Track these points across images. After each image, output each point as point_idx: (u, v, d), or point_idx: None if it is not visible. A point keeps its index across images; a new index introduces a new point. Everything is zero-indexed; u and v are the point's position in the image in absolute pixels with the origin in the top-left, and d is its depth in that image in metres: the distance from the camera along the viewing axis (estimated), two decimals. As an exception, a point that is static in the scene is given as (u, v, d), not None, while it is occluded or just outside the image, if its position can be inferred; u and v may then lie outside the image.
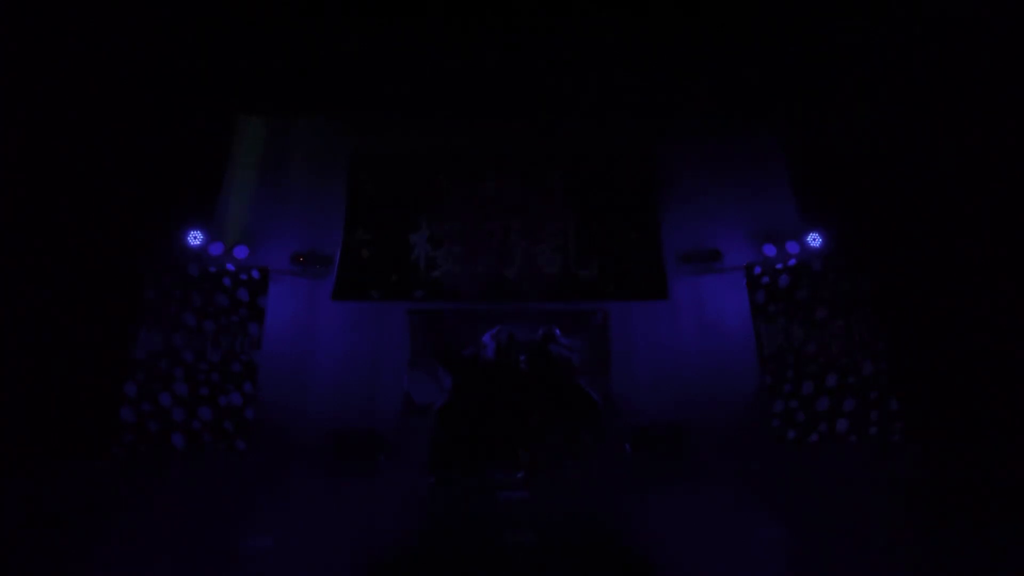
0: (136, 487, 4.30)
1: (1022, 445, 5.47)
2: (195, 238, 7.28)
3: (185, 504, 3.30)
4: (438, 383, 4.80)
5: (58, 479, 5.14)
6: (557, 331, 5.13)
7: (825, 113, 7.69)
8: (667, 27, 7.13)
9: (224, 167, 8.05)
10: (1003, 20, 5.87)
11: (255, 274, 7.40)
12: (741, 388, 7.55)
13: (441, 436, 4.39)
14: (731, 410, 7.48)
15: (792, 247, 7.58)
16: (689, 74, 7.54)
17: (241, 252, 7.48)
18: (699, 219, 8.45)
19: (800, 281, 7.29)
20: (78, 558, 2.08)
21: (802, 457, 6.19)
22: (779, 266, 7.48)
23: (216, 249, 7.36)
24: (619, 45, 7.10)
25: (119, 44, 6.50)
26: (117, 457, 6.16)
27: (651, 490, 3.75)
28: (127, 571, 1.93)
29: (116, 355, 6.48)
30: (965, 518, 2.54)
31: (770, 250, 7.72)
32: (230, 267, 7.34)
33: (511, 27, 6.78)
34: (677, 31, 7.20)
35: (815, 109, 7.78)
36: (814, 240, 7.50)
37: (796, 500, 3.15)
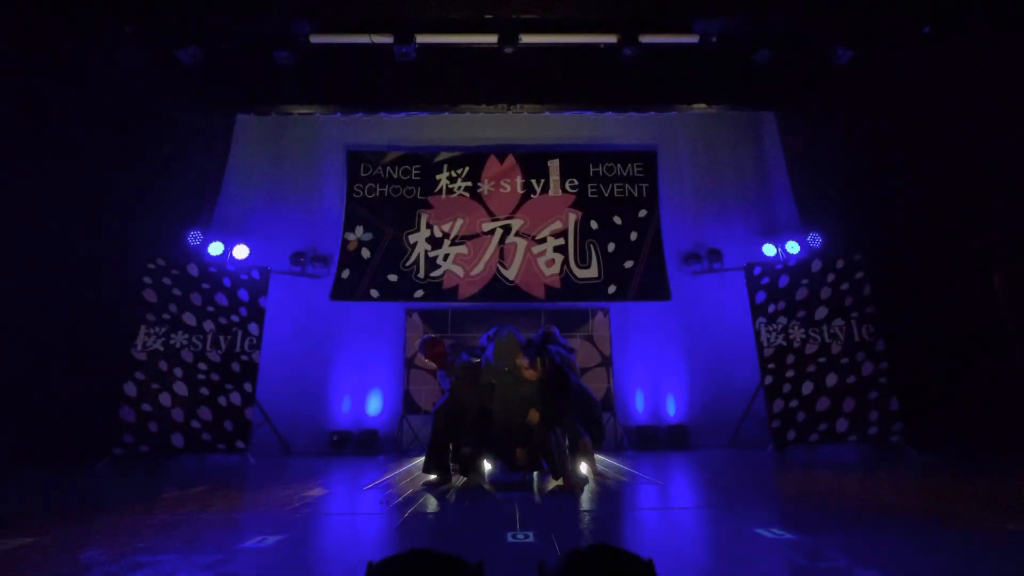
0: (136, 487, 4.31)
1: (1021, 444, 5.47)
2: (195, 238, 7.31)
3: (185, 504, 3.31)
4: (438, 383, 4.78)
5: (57, 479, 5.14)
6: (557, 331, 5.11)
7: (825, 114, 7.69)
8: (667, 27, 7.12)
9: (224, 167, 8.07)
10: (1001, 20, 5.86)
11: (255, 274, 7.40)
12: (741, 388, 7.56)
13: (440, 436, 4.38)
14: (731, 410, 7.50)
15: (792, 247, 7.61)
16: (689, 73, 7.53)
17: (241, 252, 7.50)
18: (699, 219, 8.47)
19: (800, 281, 7.28)
20: (77, 557, 2.09)
21: (802, 457, 6.19)
22: (779, 266, 7.48)
23: (216, 249, 7.38)
24: (619, 44, 7.09)
25: (119, 43, 6.50)
26: (117, 457, 6.17)
27: (651, 489, 3.75)
28: (126, 571, 1.94)
29: (116, 355, 6.49)
30: (964, 518, 2.54)
31: (770, 250, 7.75)
32: (230, 267, 7.34)
33: (511, 25, 6.78)
34: (677, 31, 7.18)
35: (815, 110, 7.78)
36: (814, 240, 7.54)
37: (796, 500, 3.15)
